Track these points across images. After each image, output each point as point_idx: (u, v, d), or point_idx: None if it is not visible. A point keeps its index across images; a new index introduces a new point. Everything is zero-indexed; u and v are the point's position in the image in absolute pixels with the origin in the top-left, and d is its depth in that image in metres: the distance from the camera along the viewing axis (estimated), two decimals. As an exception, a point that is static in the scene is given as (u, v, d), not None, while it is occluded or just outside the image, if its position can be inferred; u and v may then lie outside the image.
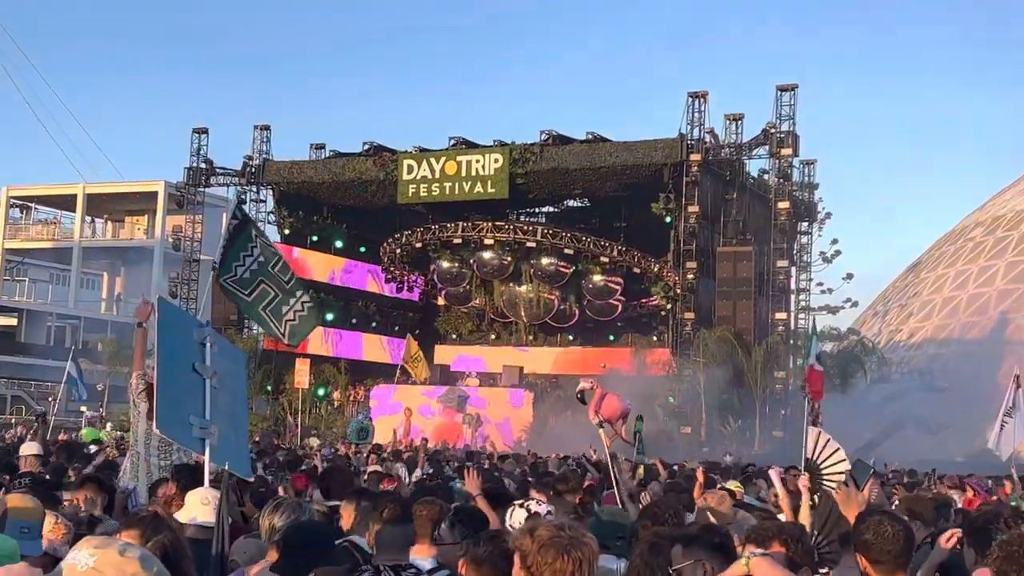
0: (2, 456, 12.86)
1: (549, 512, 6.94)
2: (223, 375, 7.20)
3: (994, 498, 13.44)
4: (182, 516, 6.30)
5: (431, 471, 15.83)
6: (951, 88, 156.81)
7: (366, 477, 11.93)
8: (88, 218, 73.74)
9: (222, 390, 7.11)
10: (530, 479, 12.03)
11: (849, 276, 47.00)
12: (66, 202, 72.85)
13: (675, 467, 17.18)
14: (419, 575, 5.38)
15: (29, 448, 11.92)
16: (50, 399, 53.76)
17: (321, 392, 46.21)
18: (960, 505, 11.77)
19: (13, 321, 68.93)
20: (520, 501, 7.19)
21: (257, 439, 28.64)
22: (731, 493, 11.21)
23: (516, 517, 6.83)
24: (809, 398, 12.69)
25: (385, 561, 5.32)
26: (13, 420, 48.30)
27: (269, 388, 46.89)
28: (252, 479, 8.92)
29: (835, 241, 46.55)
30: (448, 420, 40.24)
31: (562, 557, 3.28)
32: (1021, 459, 17.97)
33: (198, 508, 6.34)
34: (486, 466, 17.73)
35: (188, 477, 7.18)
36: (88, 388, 30.45)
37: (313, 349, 48.66)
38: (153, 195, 69.48)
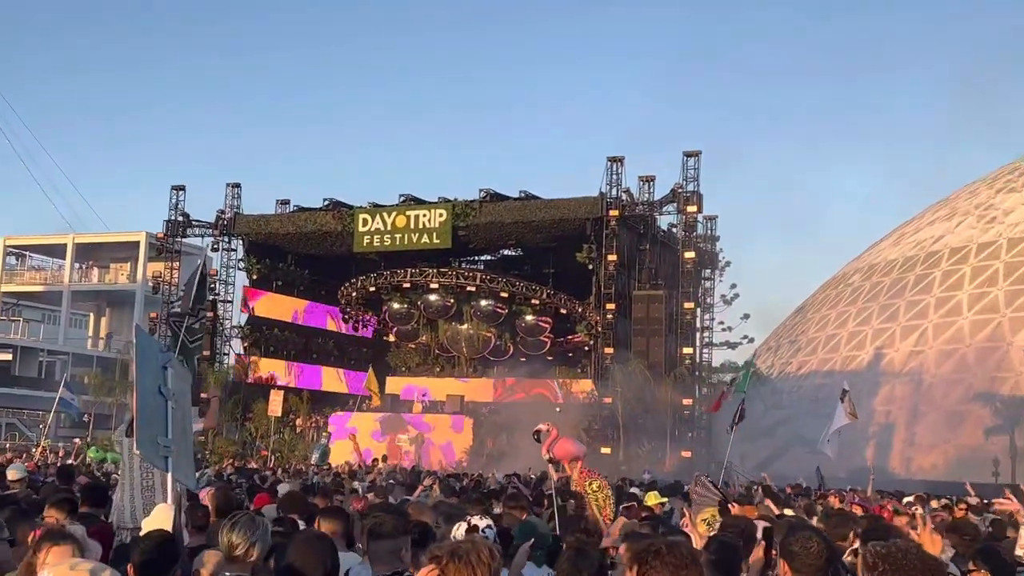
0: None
1: (489, 526, 6.73)
2: (178, 395, 7.00)
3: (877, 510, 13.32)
4: (149, 525, 5.81)
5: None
6: (831, 155, 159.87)
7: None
8: (77, 264, 72.41)
9: (178, 409, 6.91)
10: (472, 496, 11.77)
11: (746, 316, 47.52)
12: (57, 250, 71.69)
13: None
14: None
15: (13, 472, 11.47)
16: (41, 426, 52.42)
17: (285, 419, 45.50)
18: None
19: (8, 356, 67.23)
20: (467, 516, 6.99)
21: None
22: (650, 508, 11.01)
23: (460, 530, 6.63)
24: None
25: (383, 572, 5.02)
26: (7, 445, 46.86)
27: (239, 415, 46.21)
28: (197, 490, 8.57)
29: (734, 286, 47.06)
30: (392, 443, 39.93)
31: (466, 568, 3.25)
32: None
33: (167, 522, 5.83)
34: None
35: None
36: (78, 409, 29.77)
37: (279, 380, 48.12)
38: (135, 244, 68.52)
